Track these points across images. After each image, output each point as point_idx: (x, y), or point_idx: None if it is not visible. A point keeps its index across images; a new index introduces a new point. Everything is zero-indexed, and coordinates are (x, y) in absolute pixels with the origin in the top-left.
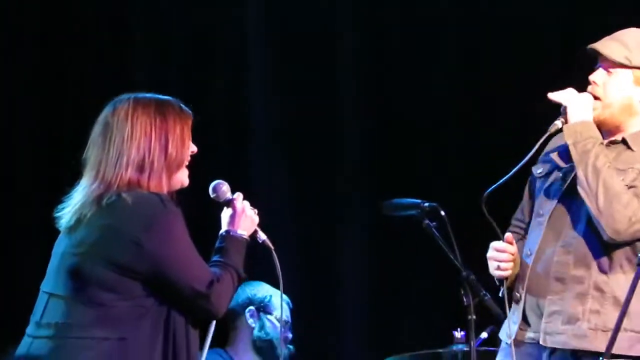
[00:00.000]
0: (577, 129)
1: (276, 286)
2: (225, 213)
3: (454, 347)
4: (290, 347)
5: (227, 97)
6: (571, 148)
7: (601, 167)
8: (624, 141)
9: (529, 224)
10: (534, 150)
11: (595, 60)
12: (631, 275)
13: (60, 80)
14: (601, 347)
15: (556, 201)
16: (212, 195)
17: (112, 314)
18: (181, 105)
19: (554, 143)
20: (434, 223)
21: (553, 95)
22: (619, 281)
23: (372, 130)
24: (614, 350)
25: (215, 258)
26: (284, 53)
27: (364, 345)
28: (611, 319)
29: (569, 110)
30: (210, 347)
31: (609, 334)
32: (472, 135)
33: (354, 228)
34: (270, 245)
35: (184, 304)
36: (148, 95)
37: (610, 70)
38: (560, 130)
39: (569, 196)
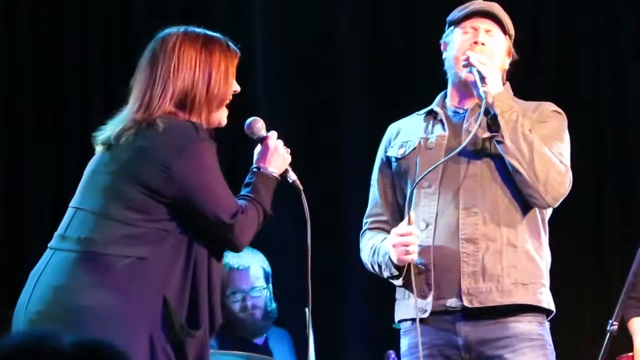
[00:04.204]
0: (501, 98)
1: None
2: (258, 149)
3: None
4: (273, 307)
5: None
6: (500, 118)
7: (530, 135)
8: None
9: (392, 214)
10: (477, 126)
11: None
12: (532, 228)
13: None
14: (524, 300)
15: (441, 169)
16: (246, 132)
17: (135, 233)
18: (229, 43)
19: (397, 126)
20: None
21: (475, 59)
22: (526, 236)
23: None
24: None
25: (243, 192)
26: None
27: (372, 310)
28: (527, 272)
29: (488, 80)
30: None
31: (528, 287)
32: None
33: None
34: (300, 186)
35: (207, 233)
36: (197, 29)
37: (492, 34)
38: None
39: (453, 162)
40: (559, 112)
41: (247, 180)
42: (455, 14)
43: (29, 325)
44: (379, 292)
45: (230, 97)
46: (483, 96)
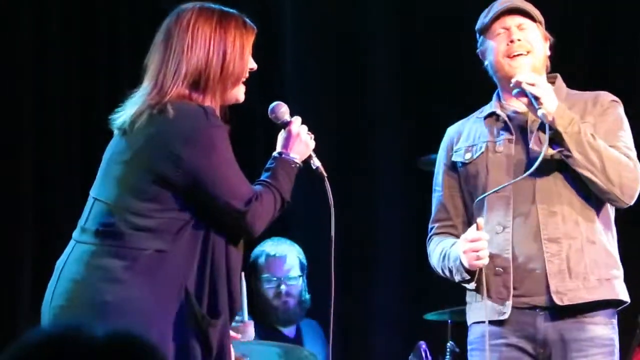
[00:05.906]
0: (560, 114)
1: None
2: (281, 135)
3: None
4: (306, 298)
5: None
6: (564, 135)
7: (595, 142)
8: None
9: (460, 218)
10: (545, 148)
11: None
12: (605, 222)
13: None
14: (608, 296)
15: (512, 172)
16: (270, 116)
17: (151, 225)
18: (245, 19)
19: (457, 128)
20: None
21: (524, 81)
22: (601, 230)
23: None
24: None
25: (262, 177)
26: None
27: (403, 301)
28: (608, 268)
29: (543, 99)
30: None
31: (611, 282)
32: None
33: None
34: (324, 172)
35: (221, 220)
36: (213, 5)
37: (524, 27)
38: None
39: (522, 164)
40: (616, 101)
41: (267, 165)
42: (482, 20)
43: (53, 320)
44: (410, 283)
45: (247, 75)
46: (542, 119)
